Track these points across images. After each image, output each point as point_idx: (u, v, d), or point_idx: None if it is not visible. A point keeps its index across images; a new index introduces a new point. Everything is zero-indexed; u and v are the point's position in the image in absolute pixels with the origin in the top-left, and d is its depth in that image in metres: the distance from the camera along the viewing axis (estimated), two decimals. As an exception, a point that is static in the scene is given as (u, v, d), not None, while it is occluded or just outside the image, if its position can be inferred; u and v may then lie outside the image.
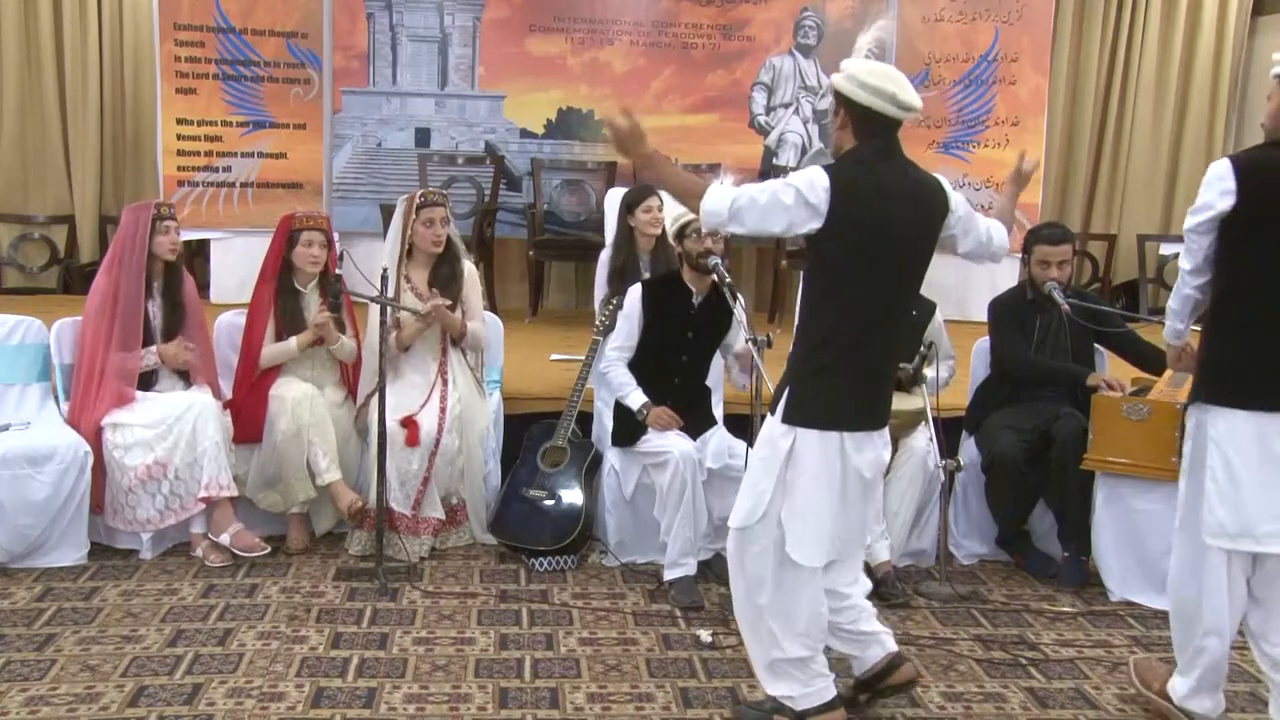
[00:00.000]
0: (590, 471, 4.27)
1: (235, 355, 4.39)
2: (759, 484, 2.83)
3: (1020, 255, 4.35)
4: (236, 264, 6.67)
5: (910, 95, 2.71)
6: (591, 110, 7.39)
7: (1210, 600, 2.87)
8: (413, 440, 4.12)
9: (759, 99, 7.52)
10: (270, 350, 4.29)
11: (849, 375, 2.77)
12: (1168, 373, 4.00)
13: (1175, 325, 3.00)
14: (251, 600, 3.72)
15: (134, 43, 7.50)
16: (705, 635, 3.50)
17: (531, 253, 7.10)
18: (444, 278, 4.36)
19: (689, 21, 7.42)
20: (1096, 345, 4.37)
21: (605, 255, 4.95)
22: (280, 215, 4.45)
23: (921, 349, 4.09)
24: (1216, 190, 2.76)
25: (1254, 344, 2.78)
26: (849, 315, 2.76)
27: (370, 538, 4.05)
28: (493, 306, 6.35)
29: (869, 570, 3.87)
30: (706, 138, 7.46)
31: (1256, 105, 7.81)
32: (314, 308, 4.34)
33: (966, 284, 7.10)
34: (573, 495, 4.19)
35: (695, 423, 4.06)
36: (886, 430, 2.91)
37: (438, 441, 4.17)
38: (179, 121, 6.97)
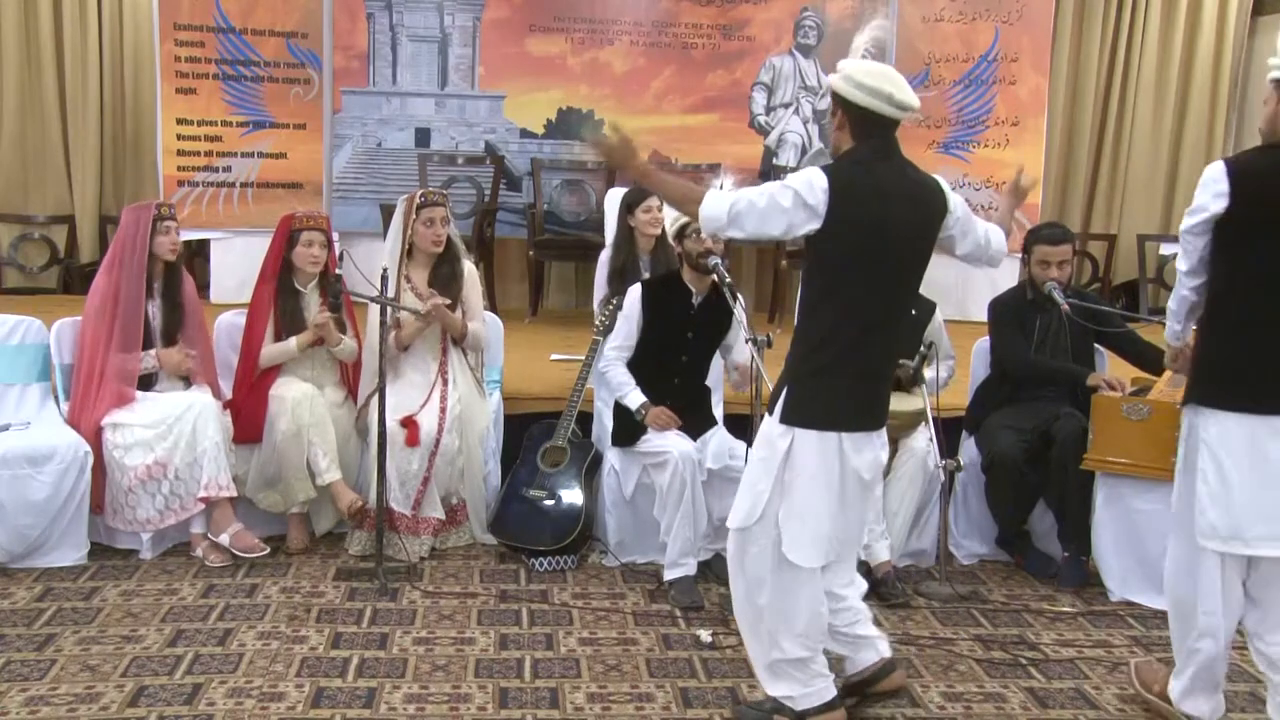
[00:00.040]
0: (590, 471, 4.27)
1: (235, 355, 4.39)
2: (757, 484, 2.83)
3: (1020, 255, 4.35)
4: (236, 264, 6.67)
5: (907, 95, 2.71)
6: (591, 110, 7.38)
7: (1204, 601, 2.88)
8: (413, 440, 4.12)
9: (759, 99, 7.52)
10: (270, 350, 4.29)
11: (848, 376, 2.77)
12: (1167, 373, 3.99)
13: (1173, 326, 3.01)
14: (251, 600, 3.72)
15: (134, 43, 7.50)
16: (705, 635, 3.50)
17: (531, 253, 7.10)
18: (444, 278, 4.36)
19: (689, 21, 7.42)
20: (1096, 345, 4.37)
21: (605, 255, 4.95)
22: (280, 215, 4.45)
23: (921, 349, 4.09)
24: (1210, 193, 2.76)
25: (1247, 346, 2.78)
26: (848, 316, 2.75)
27: (370, 538, 4.05)
28: (493, 306, 6.35)
29: (869, 570, 3.89)
30: (706, 138, 7.46)
31: (1256, 105, 7.79)
32: (314, 308, 4.34)
33: (966, 284, 7.10)
34: (573, 495, 4.19)
35: (695, 423, 4.06)
36: (884, 430, 2.91)
37: (438, 441, 4.17)
38: (179, 121, 6.97)
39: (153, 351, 4.17)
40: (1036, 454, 4.12)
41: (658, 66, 7.44)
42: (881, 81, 2.69)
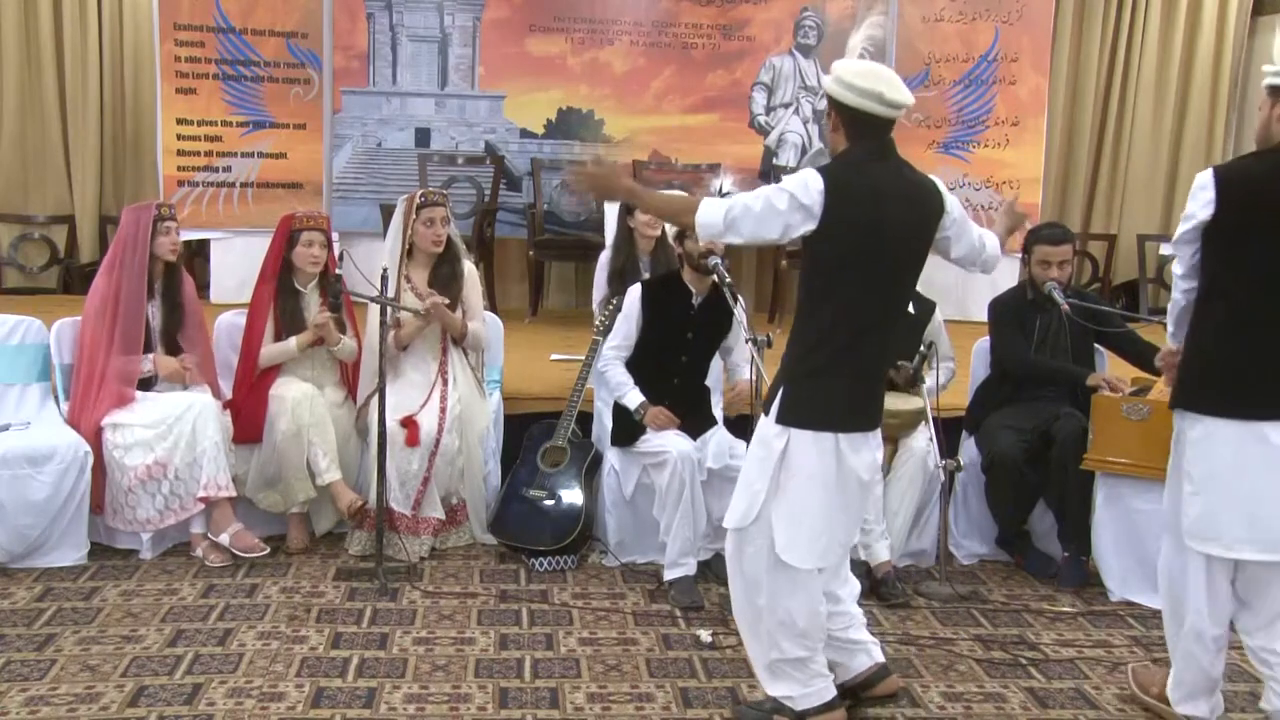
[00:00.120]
0: (590, 471, 4.27)
1: (235, 355, 4.39)
2: (753, 485, 2.83)
3: (1020, 255, 4.36)
4: (236, 264, 6.67)
5: (898, 93, 2.70)
6: (592, 110, 7.39)
7: (1192, 601, 2.89)
8: (413, 440, 4.12)
9: (759, 99, 7.52)
10: (270, 350, 4.29)
11: (844, 376, 2.77)
12: (1167, 373, 4.00)
13: (1170, 329, 3.02)
14: (251, 600, 3.72)
15: (134, 43, 7.50)
16: (705, 635, 3.50)
17: (531, 253, 7.10)
18: (444, 278, 4.36)
19: (689, 21, 7.41)
20: (1096, 345, 4.37)
21: (605, 256, 4.94)
22: (280, 215, 4.45)
23: (921, 348, 4.09)
24: (1199, 200, 2.77)
25: (1232, 351, 2.78)
26: (844, 316, 2.75)
27: (370, 538, 4.05)
28: (493, 306, 6.35)
29: (869, 570, 3.90)
30: (706, 138, 7.46)
31: (1256, 105, 7.80)
32: (314, 308, 4.34)
33: (966, 284, 7.09)
34: (573, 495, 4.19)
35: (695, 423, 4.06)
36: (879, 430, 2.91)
37: (438, 441, 4.18)
38: (179, 121, 6.97)
39: (151, 356, 4.17)
40: (1036, 454, 4.12)
41: (658, 66, 7.44)
42: (872, 81, 2.69)
